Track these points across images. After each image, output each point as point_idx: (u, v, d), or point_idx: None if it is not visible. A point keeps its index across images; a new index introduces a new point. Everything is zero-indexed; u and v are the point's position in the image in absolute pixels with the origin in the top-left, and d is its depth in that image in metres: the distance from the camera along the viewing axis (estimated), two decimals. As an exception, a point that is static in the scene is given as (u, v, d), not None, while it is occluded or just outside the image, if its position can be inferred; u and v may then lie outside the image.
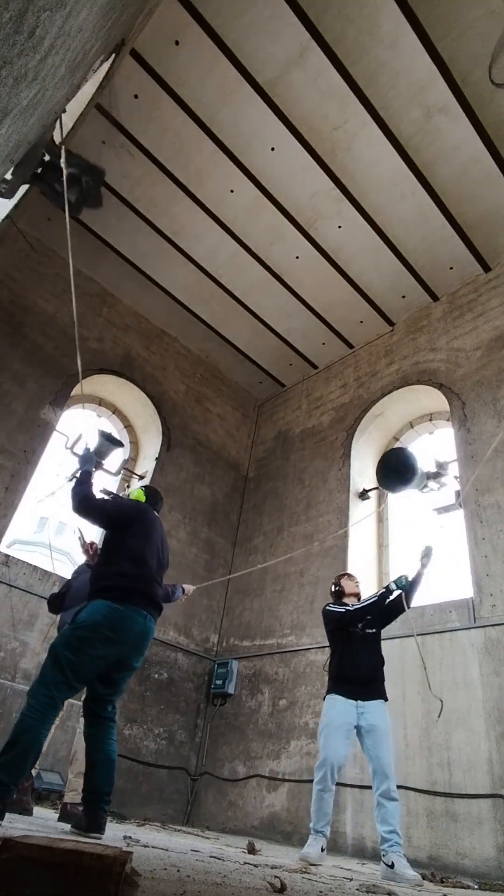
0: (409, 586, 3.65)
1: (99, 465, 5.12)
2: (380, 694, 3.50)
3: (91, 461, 3.35)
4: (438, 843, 4.14)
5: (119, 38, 3.96)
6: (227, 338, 8.63)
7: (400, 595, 3.67)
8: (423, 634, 5.05)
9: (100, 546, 3.25)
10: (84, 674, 2.59)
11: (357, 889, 2.11)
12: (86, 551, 3.95)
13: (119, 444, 4.12)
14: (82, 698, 2.96)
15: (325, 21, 5.11)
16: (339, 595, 3.96)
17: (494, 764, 4.11)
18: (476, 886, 3.48)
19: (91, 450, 3.47)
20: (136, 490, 3.41)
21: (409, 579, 3.67)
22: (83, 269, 7.84)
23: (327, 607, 3.83)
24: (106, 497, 3.72)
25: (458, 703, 4.54)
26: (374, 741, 3.29)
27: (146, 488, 3.43)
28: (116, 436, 4.55)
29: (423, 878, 3.21)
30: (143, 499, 3.31)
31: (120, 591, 2.73)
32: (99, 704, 2.79)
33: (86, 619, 2.63)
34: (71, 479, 3.75)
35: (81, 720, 3.71)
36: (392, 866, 2.93)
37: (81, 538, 3.96)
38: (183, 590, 3.79)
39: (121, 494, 3.69)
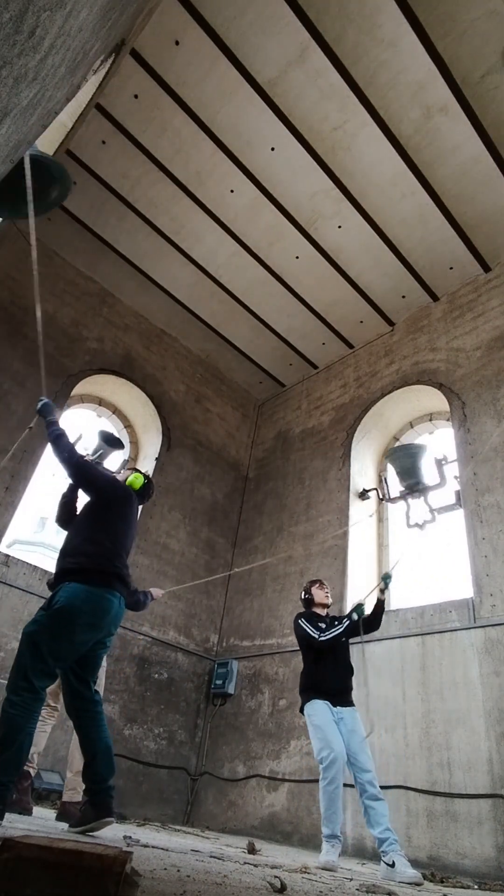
0: (363, 614, 3.71)
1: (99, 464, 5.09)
2: (351, 702, 3.61)
3: (51, 409, 3.21)
4: (438, 843, 4.14)
5: (119, 38, 3.96)
6: (227, 338, 8.63)
7: (358, 621, 3.70)
8: (423, 634, 5.06)
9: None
10: (63, 660, 2.54)
11: (357, 889, 2.11)
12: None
13: (120, 444, 4.09)
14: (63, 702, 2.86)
15: (325, 21, 5.11)
16: (308, 602, 4.05)
17: (494, 764, 4.11)
18: (476, 886, 3.48)
19: (48, 401, 3.30)
20: (135, 475, 3.28)
21: (364, 606, 3.75)
22: (83, 269, 7.84)
23: (299, 621, 3.87)
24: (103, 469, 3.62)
25: (458, 703, 4.54)
26: (356, 745, 3.35)
27: (146, 478, 3.31)
28: (116, 436, 4.54)
29: (423, 877, 3.20)
30: (137, 486, 3.21)
31: (98, 574, 2.66)
32: (82, 688, 2.72)
33: (65, 604, 2.54)
34: (38, 422, 3.52)
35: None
36: (392, 866, 2.93)
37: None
38: (152, 595, 3.73)
39: (116, 473, 3.56)
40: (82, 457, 3.12)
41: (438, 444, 7.30)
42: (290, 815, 5.22)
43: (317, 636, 3.70)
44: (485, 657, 4.58)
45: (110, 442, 4.40)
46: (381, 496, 6.97)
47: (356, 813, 4.62)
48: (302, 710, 3.65)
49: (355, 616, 3.68)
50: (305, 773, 5.30)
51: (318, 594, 4.04)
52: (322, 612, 4.00)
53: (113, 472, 3.58)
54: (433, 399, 6.95)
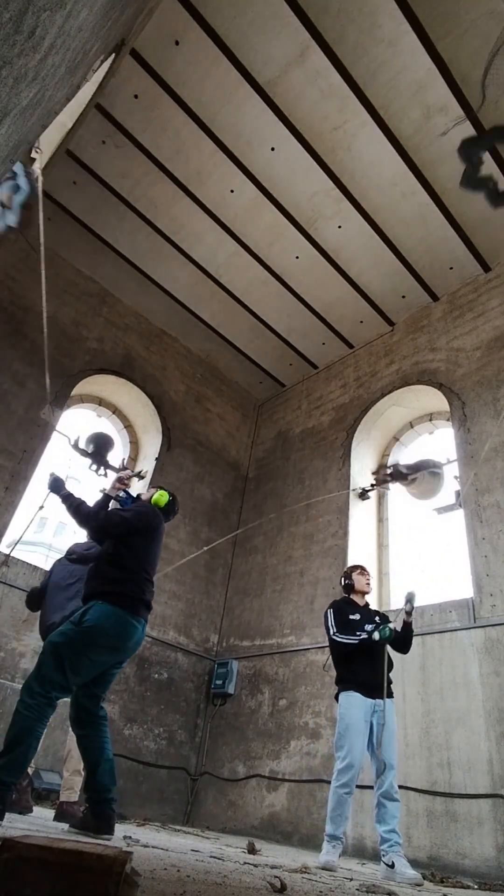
0: (391, 637, 3.48)
1: (103, 464, 5.08)
2: (391, 692, 3.47)
3: (61, 483, 3.20)
4: (438, 843, 4.14)
5: (119, 38, 3.96)
6: (227, 338, 8.63)
7: (381, 641, 3.47)
8: (423, 634, 5.06)
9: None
10: (82, 676, 2.58)
11: (357, 889, 2.11)
12: (119, 479, 3.55)
13: (111, 443, 4.02)
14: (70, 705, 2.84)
15: (325, 21, 5.11)
16: (348, 588, 3.89)
17: (494, 764, 4.11)
18: (476, 886, 3.47)
19: (57, 476, 3.26)
20: (160, 493, 3.24)
21: (392, 630, 3.50)
22: (83, 269, 7.84)
23: (328, 611, 3.73)
24: (121, 498, 3.55)
25: (458, 703, 4.54)
26: (385, 739, 3.26)
27: (171, 496, 3.28)
28: (104, 434, 4.52)
29: (423, 877, 3.20)
30: (162, 504, 3.19)
31: (132, 600, 2.71)
32: (90, 704, 2.74)
33: (94, 623, 2.57)
34: (42, 508, 3.56)
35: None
36: (392, 866, 2.93)
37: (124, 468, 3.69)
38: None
39: (140, 494, 3.48)
40: (103, 515, 3.00)
41: (438, 443, 7.30)
42: (290, 815, 5.22)
43: (334, 630, 3.60)
44: (485, 657, 4.58)
45: (101, 444, 4.40)
46: (384, 476, 6.65)
47: (357, 813, 4.62)
48: (336, 697, 3.52)
49: (376, 636, 3.44)
50: (305, 773, 5.30)
51: (360, 581, 3.89)
52: (361, 600, 3.85)
53: (138, 494, 3.51)
54: (433, 399, 6.95)
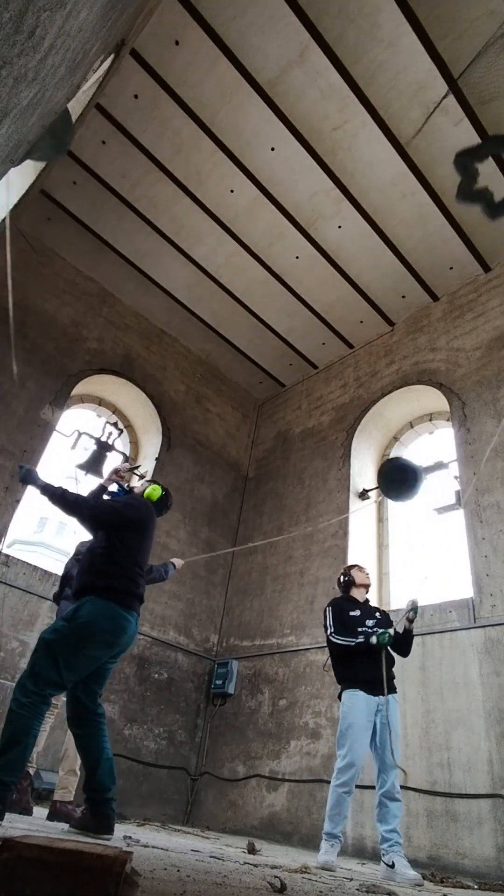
0: (390, 642, 3.45)
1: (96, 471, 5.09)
2: (394, 688, 3.44)
3: (34, 475, 2.96)
4: (438, 843, 4.14)
5: (119, 38, 3.96)
6: (227, 338, 8.63)
7: (379, 646, 3.45)
8: (423, 634, 5.06)
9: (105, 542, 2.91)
10: (77, 673, 2.56)
11: (357, 889, 2.11)
12: (116, 471, 3.52)
13: (110, 448, 4.04)
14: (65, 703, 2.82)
15: (325, 21, 5.11)
16: (347, 585, 3.85)
17: (494, 764, 4.11)
18: (476, 886, 3.47)
19: (28, 467, 3.01)
20: (152, 487, 3.20)
21: (391, 635, 3.47)
22: (83, 269, 7.84)
23: (327, 609, 3.72)
24: (114, 490, 3.52)
25: (458, 703, 4.54)
26: (386, 738, 3.24)
27: (164, 490, 3.24)
28: (105, 441, 4.53)
29: (423, 878, 3.20)
30: (154, 497, 3.16)
31: (124, 594, 2.69)
32: (88, 701, 2.72)
33: (88, 619, 2.56)
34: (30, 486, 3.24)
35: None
36: (392, 866, 2.93)
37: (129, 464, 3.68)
38: (174, 565, 3.71)
39: (133, 487, 3.48)
40: (93, 503, 2.95)
41: (438, 444, 7.30)
42: (290, 815, 5.22)
43: (331, 630, 3.58)
44: (485, 657, 4.58)
45: (103, 448, 4.42)
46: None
47: (357, 813, 4.62)
48: (340, 697, 3.50)
49: (374, 640, 3.42)
50: (305, 773, 5.30)
51: (359, 575, 3.87)
52: (361, 595, 3.83)
53: (131, 487, 3.49)
54: (433, 399, 6.95)
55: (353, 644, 3.49)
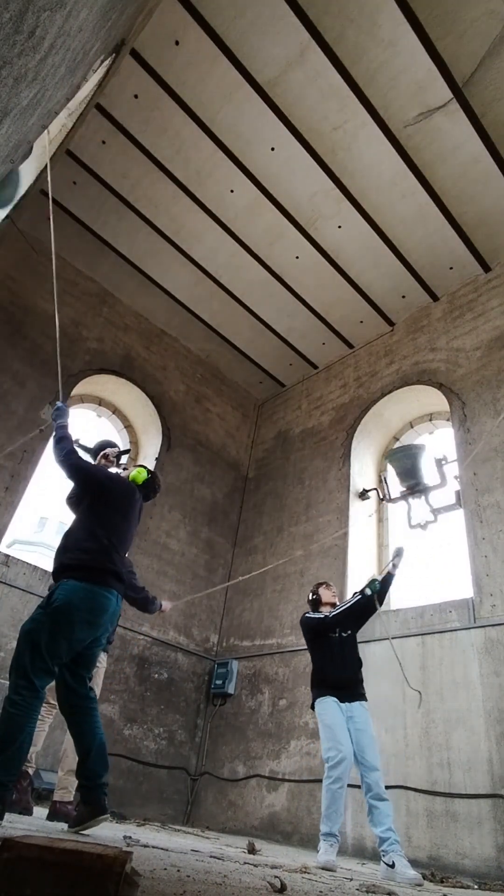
0: (378, 590, 3.71)
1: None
2: (361, 696, 3.57)
3: (65, 414, 3.29)
4: (438, 843, 4.14)
5: (119, 38, 3.96)
6: (227, 338, 8.63)
7: (372, 596, 3.73)
8: (423, 634, 5.06)
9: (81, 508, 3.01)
10: (62, 657, 2.56)
11: (357, 889, 2.11)
12: (105, 456, 3.64)
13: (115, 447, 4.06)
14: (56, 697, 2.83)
15: (325, 21, 5.11)
16: (315, 603, 4.05)
17: (494, 764, 4.11)
18: (476, 886, 3.47)
19: (64, 406, 3.35)
20: (138, 470, 3.24)
21: (379, 581, 3.75)
22: (83, 269, 7.84)
23: (305, 615, 3.92)
24: (97, 463, 3.57)
25: (458, 703, 4.54)
26: (364, 743, 3.33)
27: (150, 473, 3.26)
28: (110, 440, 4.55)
29: (423, 877, 3.20)
30: (140, 480, 3.18)
31: (101, 572, 2.67)
32: (77, 685, 2.71)
33: (64, 601, 2.55)
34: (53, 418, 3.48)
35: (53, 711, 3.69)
36: (392, 866, 2.93)
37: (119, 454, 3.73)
38: (161, 606, 3.78)
39: (120, 470, 3.54)
40: (80, 456, 3.11)
41: (438, 444, 7.30)
42: (290, 815, 5.22)
43: (326, 615, 3.76)
44: (485, 657, 4.58)
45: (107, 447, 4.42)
46: (381, 496, 6.97)
47: (356, 813, 4.62)
48: (313, 707, 3.63)
49: (368, 591, 3.66)
50: (305, 773, 5.30)
51: (326, 594, 4.06)
52: (328, 611, 4.00)
53: (118, 470, 3.56)
54: (433, 399, 6.95)
55: (353, 602, 3.71)
